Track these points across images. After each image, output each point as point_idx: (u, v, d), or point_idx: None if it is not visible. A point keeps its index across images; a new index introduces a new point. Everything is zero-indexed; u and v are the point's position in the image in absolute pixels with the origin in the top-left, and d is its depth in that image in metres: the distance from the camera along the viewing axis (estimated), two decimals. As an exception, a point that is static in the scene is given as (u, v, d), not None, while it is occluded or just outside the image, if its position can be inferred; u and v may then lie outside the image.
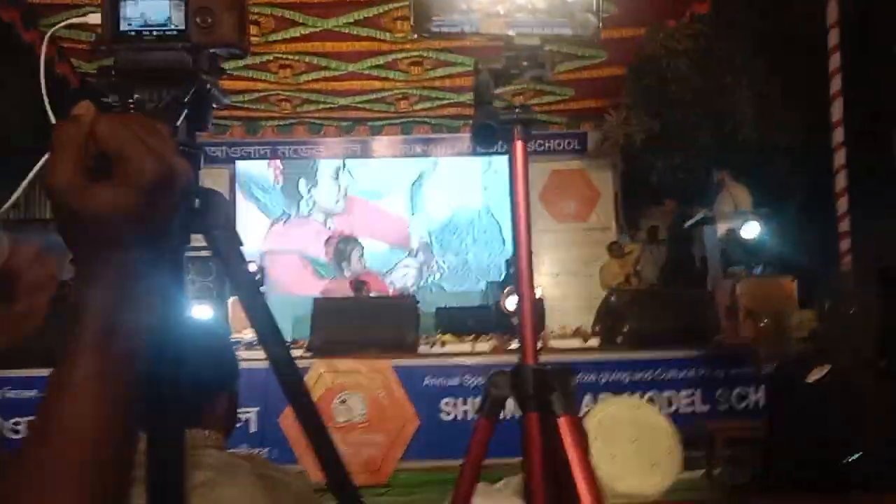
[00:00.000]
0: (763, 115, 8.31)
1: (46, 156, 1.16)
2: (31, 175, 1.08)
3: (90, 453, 0.53)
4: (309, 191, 10.54)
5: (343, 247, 10.41)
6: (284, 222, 10.47)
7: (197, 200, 0.98)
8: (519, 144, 0.92)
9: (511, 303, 6.23)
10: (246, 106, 8.76)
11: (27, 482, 0.52)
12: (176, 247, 0.94)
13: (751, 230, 5.97)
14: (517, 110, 0.94)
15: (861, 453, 1.94)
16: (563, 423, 0.88)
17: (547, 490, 0.91)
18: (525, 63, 0.95)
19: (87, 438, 0.53)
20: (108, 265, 0.54)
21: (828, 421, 2.04)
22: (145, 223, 0.54)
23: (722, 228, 6.64)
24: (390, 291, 10.09)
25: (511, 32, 0.97)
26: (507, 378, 0.94)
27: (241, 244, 1.05)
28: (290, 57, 7.66)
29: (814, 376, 2.14)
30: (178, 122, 0.87)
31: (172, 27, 0.89)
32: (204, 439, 1.33)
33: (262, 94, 8.56)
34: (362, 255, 10.32)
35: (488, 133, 0.89)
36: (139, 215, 0.53)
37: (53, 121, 1.04)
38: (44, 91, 1.00)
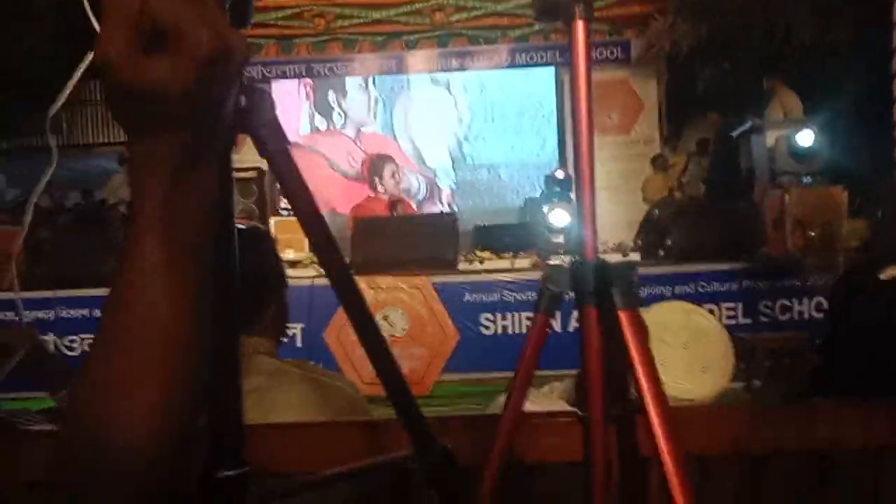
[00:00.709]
0: (817, 16, 7.88)
1: (81, 66, 1.13)
2: (74, 78, 1.05)
3: (171, 340, 0.52)
4: (339, 104, 10.50)
5: (377, 163, 10.39)
6: (314, 133, 10.49)
7: (242, 98, 0.95)
8: (580, 24, 0.86)
9: (556, 217, 6.17)
10: (279, 23, 8.61)
11: (107, 375, 0.51)
12: (224, 145, 0.92)
13: (806, 137, 5.73)
14: (579, -14, 0.88)
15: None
16: (624, 317, 0.85)
17: (605, 387, 0.89)
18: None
19: (165, 325, 0.51)
20: (164, 144, 0.51)
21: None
22: (203, 99, 0.50)
23: (771, 137, 6.40)
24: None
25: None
26: (565, 274, 0.91)
27: (288, 143, 1.03)
28: (323, -31, 7.46)
29: (889, 274, 2.09)
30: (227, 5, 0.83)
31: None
32: (255, 346, 1.35)
33: (295, 10, 8.40)
34: (395, 172, 10.29)
35: (552, 7, 0.83)
36: (197, 90, 0.49)
37: (97, 24, 1.02)
38: (87, 7, 0.97)
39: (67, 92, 1.10)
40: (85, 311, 5.46)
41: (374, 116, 10.60)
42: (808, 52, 8.31)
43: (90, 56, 1.06)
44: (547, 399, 1.56)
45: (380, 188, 10.13)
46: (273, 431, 1.22)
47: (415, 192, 10.46)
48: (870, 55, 6.99)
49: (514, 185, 10.49)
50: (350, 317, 0.99)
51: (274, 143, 1.02)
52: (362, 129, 10.58)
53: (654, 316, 1.77)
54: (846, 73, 8.85)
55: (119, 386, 0.51)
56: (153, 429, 0.51)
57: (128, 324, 0.51)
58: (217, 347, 0.85)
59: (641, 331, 0.84)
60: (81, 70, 1.12)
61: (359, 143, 10.58)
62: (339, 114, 10.54)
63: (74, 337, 5.46)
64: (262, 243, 1.57)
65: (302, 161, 1.01)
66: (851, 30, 7.96)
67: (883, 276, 2.16)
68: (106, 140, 11.62)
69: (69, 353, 5.35)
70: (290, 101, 10.32)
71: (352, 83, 10.44)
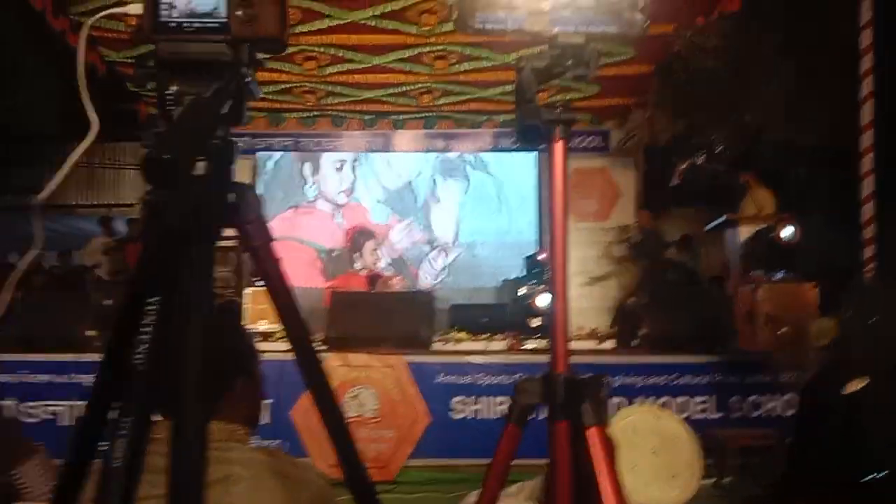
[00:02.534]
0: (791, 116, 8.21)
1: (81, 145, 1.16)
2: (69, 161, 1.08)
3: None
4: (313, 178, 10.63)
5: (358, 238, 10.43)
6: (295, 209, 10.55)
7: (231, 194, 0.98)
8: (559, 144, 0.90)
9: (542, 301, 6.20)
10: (270, 97, 8.78)
11: None
12: (208, 239, 0.95)
13: (788, 232, 5.87)
14: (559, 109, 0.93)
15: (888, 472, 1.92)
16: (592, 435, 0.87)
17: (573, 501, 0.90)
18: (569, 62, 0.94)
19: None
20: None
21: (858, 435, 2.02)
22: None
23: (745, 232, 6.56)
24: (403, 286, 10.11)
25: (555, 30, 0.96)
26: (537, 385, 0.93)
27: (271, 238, 1.05)
28: (316, 49, 7.67)
29: (851, 388, 2.12)
30: (221, 116, 0.87)
31: (213, 20, 0.89)
32: (229, 433, 1.33)
33: (285, 85, 8.58)
34: (376, 248, 10.33)
35: (532, 132, 0.88)
36: None
37: (91, 113, 1.05)
38: (82, 84, 1.01)
39: (62, 176, 1.12)
40: (51, 377, 5.33)
41: (353, 190, 10.71)
42: (781, 151, 8.63)
43: (87, 140, 1.09)
44: (515, 500, 1.54)
45: (358, 264, 10.16)
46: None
47: (393, 268, 10.49)
48: (839, 155, 7.27)
49: (491, 265, 10.57)
50: (314, 397, 1.00)
51: (258, 238, 1.05)
52: (344, 201, 10.67)
53: (623, 420, 1.78)
54: (818, 171, 9.17)
55: None
56: None
57: None
58: (185, 432, 0.86)
59: (608, 448, 0.86)
60: (80, 151, 1.14)
61: (339, 216, 10.65)
62: (313, 188, 10.66)
63: (36, 403, 5.30)
64: (233, 319, 1.57)
65: (282, 247, 1.04)
66: (822, 131, 8.30)
67: (845, 392, 2.20)
68: (88, 202, 11.61)
69: (28, 420, 5.19)
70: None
71: (329, 158, 10.60)
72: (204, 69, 0.95)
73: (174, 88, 0.94)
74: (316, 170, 10.66)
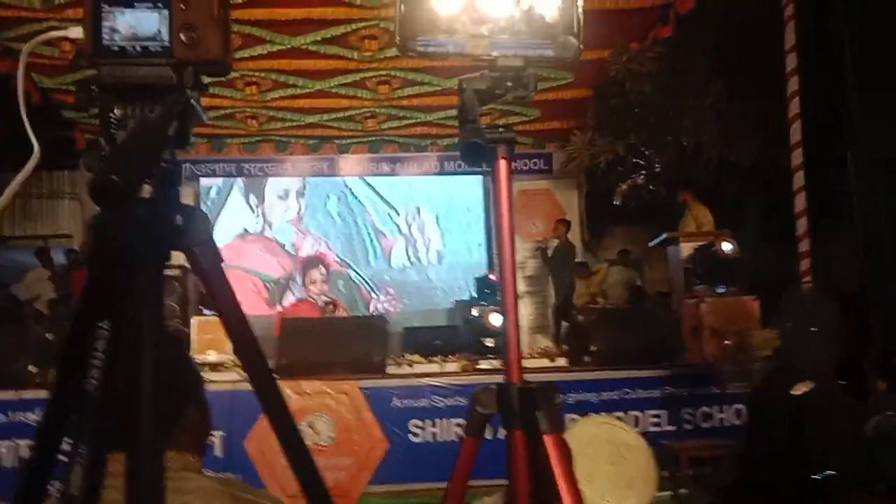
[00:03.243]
0: (724, 134, 8.51)
1: (22, 172, 1.13)
2: (12, 186, 1.05)
3: None
4: (258, 207, 10.54)
5: (307, 265, 10.35)
6: (243, 238, 10.41)
7: (179, 217, 0.97)
8: (503, 163, 0.93)
9: (495, 319, 6.22)
10: (211, 123, 8.67)
11: None
12: (157, 263, 0.93)
13: (728, 247, 6.05)
14: (501, 129, 0.96)
15: (833, 472, 1.98)
16: (548, 441, 0.88)
17: (533, 508, 0.91)
18: (509, 84, 0.97)
19: None
20: None
21: (805, 436, 2.08)
22: None
23: (686, 248, 6.75)
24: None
25: (495, 53, 0.99)
26: (492, 395, 0.94)
27: (221, 260, 1.04)
28: (257, 74, 7.63)
29: (799, 390, 2.19)
30: (167, 138, 0.86)
31: (156, 43, 0.89)
32: (183, 462, 1.30)
33: (227, 111, 8.49)
34: (323, 275, 10.27)
35: (476, 151, 0.90)
36: None
37: (33, 139, 1.03)
38: (22, 110, 0.99)
39: (7, 199, 1.09)
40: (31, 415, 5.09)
41: (300, 218, 10.64)
42: (717, 168, 8.93)
43: (29, 165, 1.07)
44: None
45: (310, 289, 10.06)
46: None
47: (344, 293, 10.42)
48: (772, 171, 7.56)
49: (442, 287, 10.59)
50: (272, 424, 0.99)
51: (207, 262, 1.04)
52: (294, 229, 10.59)
53: (578, 431, 1.80)
54: (752, 187, 9.50)
55: None
56: None
57: None
58: (141, 463, 0.84)
59: (565, 453, 0.87)
60: (19, 182, 1.12)
61: (288, 246, 10.55)
62: (257, 217, 10.55)
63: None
64: (179, 346, 1.55)
65: (232, 275, 1.03)
66: (755, 148, 8.63)
67: (794, 392, 2.27)
68: (23, 233, 11.22)
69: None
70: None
71: (273, 186, 10.51)
72: (148, 93, 0.94)
73: (118, 112, 0.94)
74: (261, 199, 10.56)
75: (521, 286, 9.64)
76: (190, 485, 1.26)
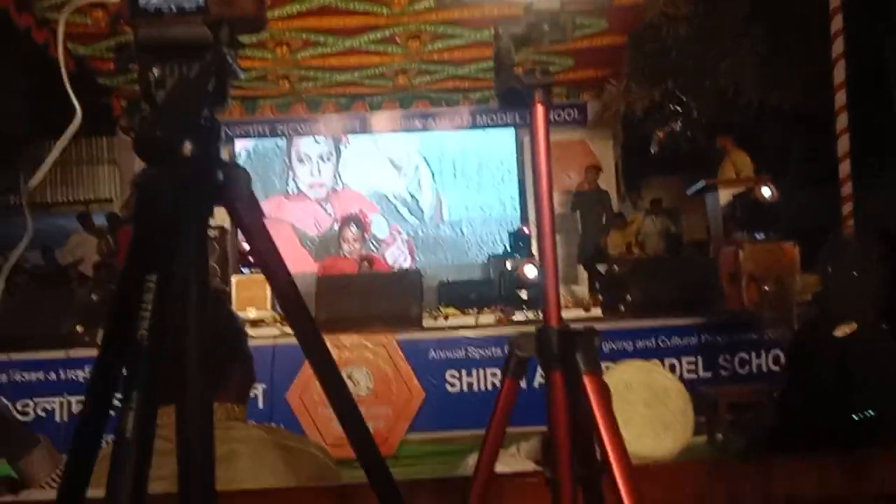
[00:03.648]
0: (764, 78, 8.27)
1: (65, 135, 1.16)
2: (56, 149, 1.08)
3: None
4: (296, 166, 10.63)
5: (344, 224, 10.44)
6: (287, 196, 10.54)
7: (220, 174, 0.99)
8: (540, 108, 0.93)
9: (529, 271, 6.23)
10: (243, 84, 8.71)
11: None
12: (201, 217, 0.96)
13: (767, 192, 5.93)
14: (538, 74, 0.95)
15: (874, 412, 1.98)
16: (588, 381, 0.90)
17: (571, 448, 0.93)
18: (546, 28, 0.96)
19: None
20: None
21: (848, 377, 2.08)
22: None
23: (724, 195, 6.63)
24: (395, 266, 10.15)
25: (531, -1, 0.98)
26: (531, 339, 0.96)
27: (263, 216, 1.07)
28: (288, 34, 7.61)
29: (842, 331, 2.17)
30: (206, 96, 0.88)
31: (192, 2, 0.90)
32: (227, 412, 1.36)
33: (259, 72, 8.51)
34: (360, 233, 10.35)
35: (514, 96, 0.90)
36: None
37: (75, 101, 1.06)
38: (63, 73, 1.01)
39: (47, 168, 1.13)
40: (39, 375, 5.31)
41: (336, 178, 10.70)
42: (757, 113, 8.71)
43: (72, 128, 1.10)
44: (514, 459, 1.58)
45: (345, 247, 10.16)
46: (245, 498, 1.22)
47: (384, 249, 10.52)
48: (814, 114, 7.34)
49: (476, 241, 10.61)
50: (317, 374, 1.02)
51: (249, 217, 1.06)
52: (334, 188, 10.67)
53: (615, 375, 1.81)
54: (793, 132, 9.26)
55: None
56: None
57: None
58: (191, 416, 0.88)
59: (604, 394, 0.89)
60: (63, 143, 1.15)
61: (328, 204, 10.65)
62: (294, 179, 10.65)
63: (28, 401, 5.29)
64: (222, 303, 1.59)
65: (272, 230, 1.05)
66: (796, 90, 8.38)
67: (837, 334, 2.25)
68: (65, 199, 11.49)
69: (22, 418, 5.18)
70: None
71: (308, 145, 10.57)
72: (185, 52, 0.96)
73: (156, 73, 0.95)
74: (298, 159, 10.64)
75: (561, 238, 9.60)
76: (236, 433, 1.31)
